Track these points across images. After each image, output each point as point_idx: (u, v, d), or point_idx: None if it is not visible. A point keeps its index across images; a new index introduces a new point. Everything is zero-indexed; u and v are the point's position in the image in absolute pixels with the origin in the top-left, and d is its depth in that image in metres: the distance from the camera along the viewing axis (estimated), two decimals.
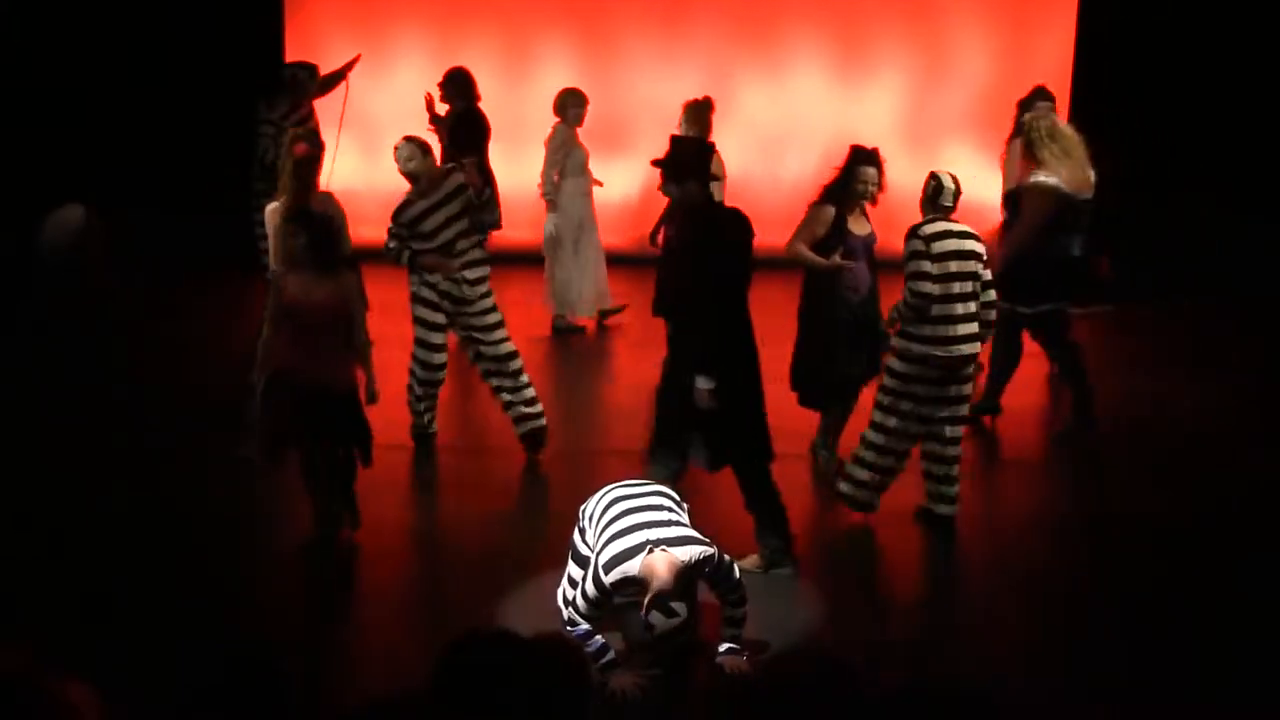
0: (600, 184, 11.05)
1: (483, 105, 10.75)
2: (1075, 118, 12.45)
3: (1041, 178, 8.35)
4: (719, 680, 5.70)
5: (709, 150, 7.41)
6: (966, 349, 7.25)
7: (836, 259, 7.75)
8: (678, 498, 6.09)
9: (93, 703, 2.89)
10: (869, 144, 7.89)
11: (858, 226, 7.86)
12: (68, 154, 12.10)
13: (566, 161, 10.64)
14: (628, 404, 9.38)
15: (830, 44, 12.82)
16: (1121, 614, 6.54)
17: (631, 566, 5.62)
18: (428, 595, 6.70)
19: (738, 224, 6.69)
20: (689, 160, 6.70)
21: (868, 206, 7.91)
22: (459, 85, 10.61)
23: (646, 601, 5.60)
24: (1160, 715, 5.71)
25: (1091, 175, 8.48)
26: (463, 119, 10.47)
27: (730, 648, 5.86)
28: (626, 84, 12.71)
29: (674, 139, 7.06)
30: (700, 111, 9.97)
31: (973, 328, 7.27)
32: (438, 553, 7.33)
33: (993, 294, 7.39)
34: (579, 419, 9.08)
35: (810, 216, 7.84)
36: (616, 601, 5.77)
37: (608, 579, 5.65)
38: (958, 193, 7.37)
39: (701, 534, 5.79)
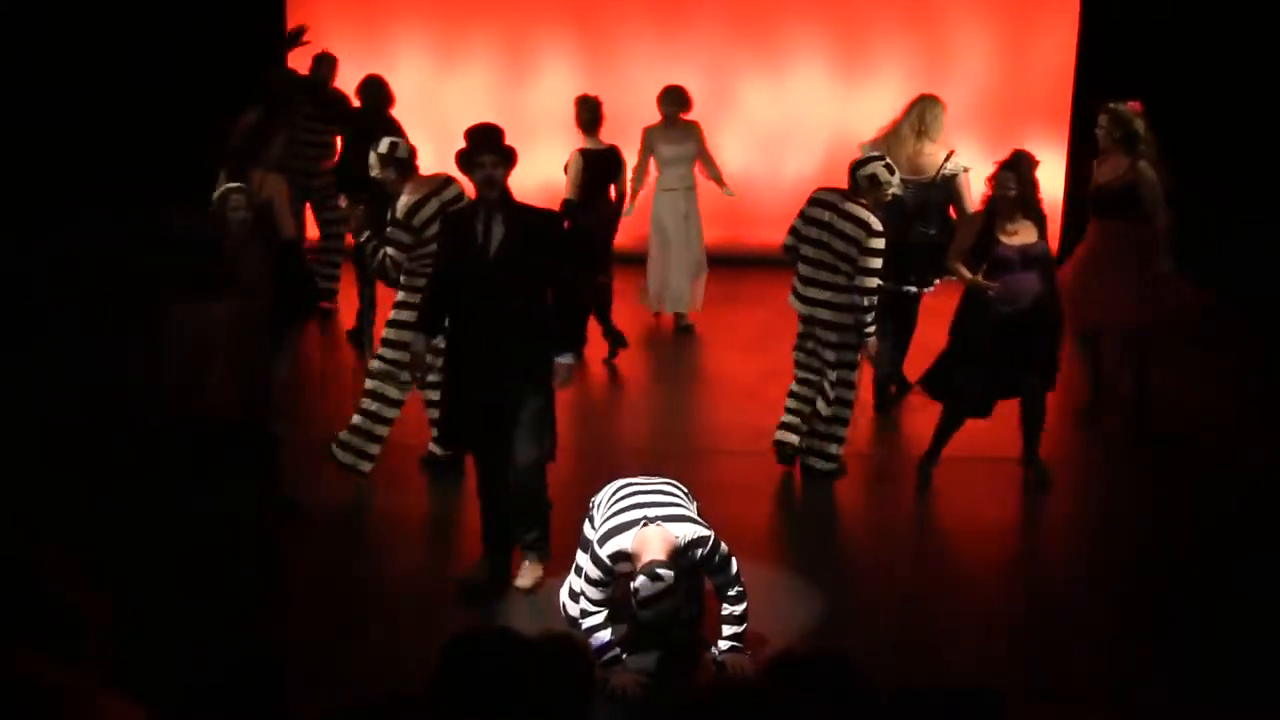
0: (731, 192, 10.84)
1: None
2: (1077, 118, 12.51)
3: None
4: (721, 679, 5.70)
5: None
6: (820, 313, 7.76)
7: (978, 277, 7.64)
8: (687, 490, 6.13)
9: None
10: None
11: (1019, 236, 7.66)
12: (68, 154, 12.10)
13: (651, 158, 10.55)
14: (628, 401, 9.39)
15: (831, 43, 12.81)
16: (1121, 614, 6.54)
17: (625, 539, 5.71)
18: (428, 594, 6.69)
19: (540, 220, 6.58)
20: (504, 144, 6.43)
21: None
22: (372, 91, 10.43)
23: (637, 570, 5.64)
24: (1160, 715, 5.71)
25: (925, 160, 8.83)
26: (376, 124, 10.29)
27: (733, 646, 5.87)
28: (627, 83, 12.69)
29: (477, 129, 6.50)
30: (591, 107, 10.01)
31: (825, 295, 7.72)
32: (438, 551, 7.33)
33: (868, 281, 7.60)
34: (578, 416, 9.07)
35: (963, 226, 7.96)
36: (620, 589, 5.80)
37: (603, 551, 5.73)
38: (854, 174, 7.70)
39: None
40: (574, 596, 6.02)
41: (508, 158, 6.41)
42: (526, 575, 6.60)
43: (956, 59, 12.63)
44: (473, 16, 12.90)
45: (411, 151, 7.82)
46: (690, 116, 10.61)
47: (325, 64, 10.98)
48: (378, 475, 7.86)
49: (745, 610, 5.88)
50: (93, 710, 2.79)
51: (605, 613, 5.82)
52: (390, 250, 7.59)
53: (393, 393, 7.78)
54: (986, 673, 5.75)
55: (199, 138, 12.20)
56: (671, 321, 10.94)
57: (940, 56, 12.64)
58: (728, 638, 5.87)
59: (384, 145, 7.78)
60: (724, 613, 5.89)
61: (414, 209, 7.59)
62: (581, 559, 6.03)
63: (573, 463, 7.91)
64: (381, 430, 7.81)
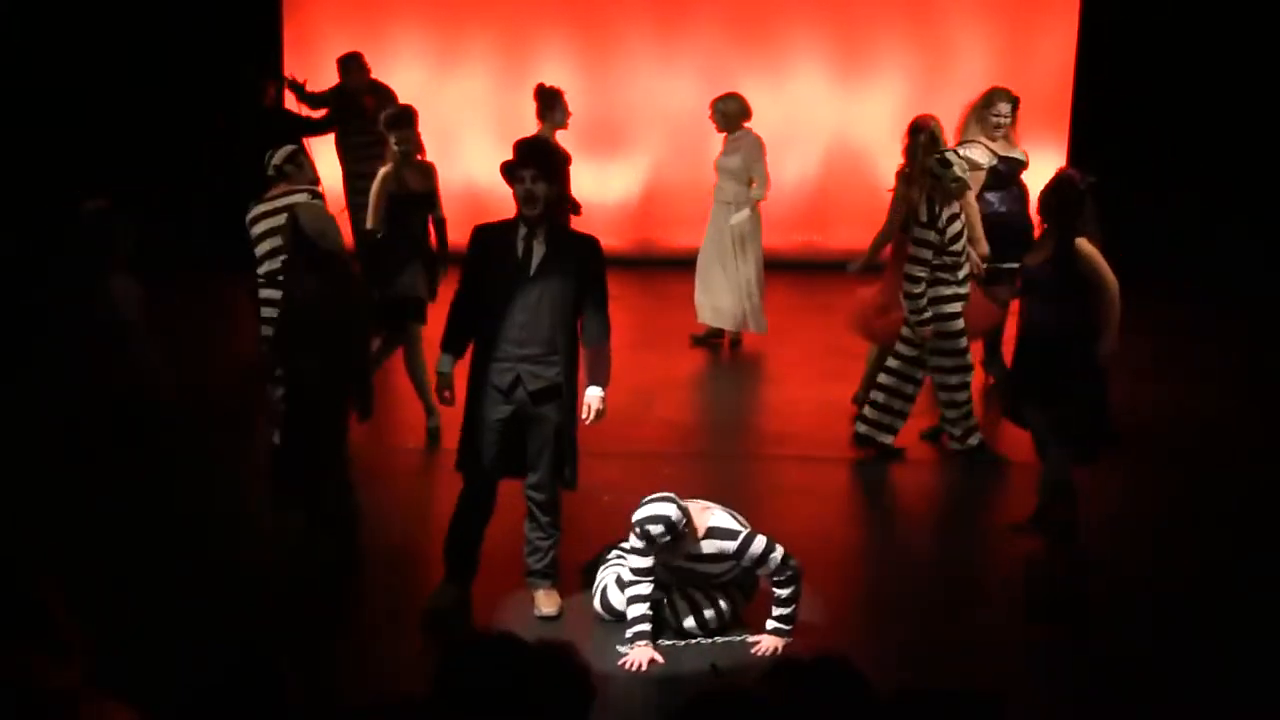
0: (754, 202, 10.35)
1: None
2: (1077, 118, 12.52)
3: None
4: (723, 679, 5.72)
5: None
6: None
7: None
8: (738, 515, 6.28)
9: None
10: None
11: (1036, 254, 7.21)
12: (68, 154, 12.09)
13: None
14: (627, 407, 9.37)
15: (831, 44, 12.81)
16: (1122, 614, 6.54)
17: (661, 505, 5.96)
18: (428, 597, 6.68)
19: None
20: (555, 160, 6.36)
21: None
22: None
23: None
24: (1161, 715, 5.71)
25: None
26: None
27: (777, 627, 6.11)
28: (626, 84, 12.70)
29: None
30: (554, 98, 9.86)
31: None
32: (438, 554, 7.32)
33: (908, 268, 7.96)
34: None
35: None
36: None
37: (635, 516, 5.97)
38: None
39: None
40: (620, 582, 6.19)
41: (551, 173, 6.17)
42: (548, 603, 6.37)
43: (956, 59, 12.63)
44: (472, 17, 12.90)
45: (268, 161, 7.92)
46: (749, 125, 10.32)
47: (355, 66, 10.98)
48: (378, 478, 7.86)
49: (794, 592, 6.06)
50: (92, 711, 2.80)
51: (648, 584, 6.02)
52: None
53: None
54: (987, 673, 5.76)
55: (199, 138, 12.26)
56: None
57: (940, 57, 12.64)
58: (773, 618, 6.11)
59: None
60: (773, 595, 6.10)
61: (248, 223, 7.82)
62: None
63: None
64: None
